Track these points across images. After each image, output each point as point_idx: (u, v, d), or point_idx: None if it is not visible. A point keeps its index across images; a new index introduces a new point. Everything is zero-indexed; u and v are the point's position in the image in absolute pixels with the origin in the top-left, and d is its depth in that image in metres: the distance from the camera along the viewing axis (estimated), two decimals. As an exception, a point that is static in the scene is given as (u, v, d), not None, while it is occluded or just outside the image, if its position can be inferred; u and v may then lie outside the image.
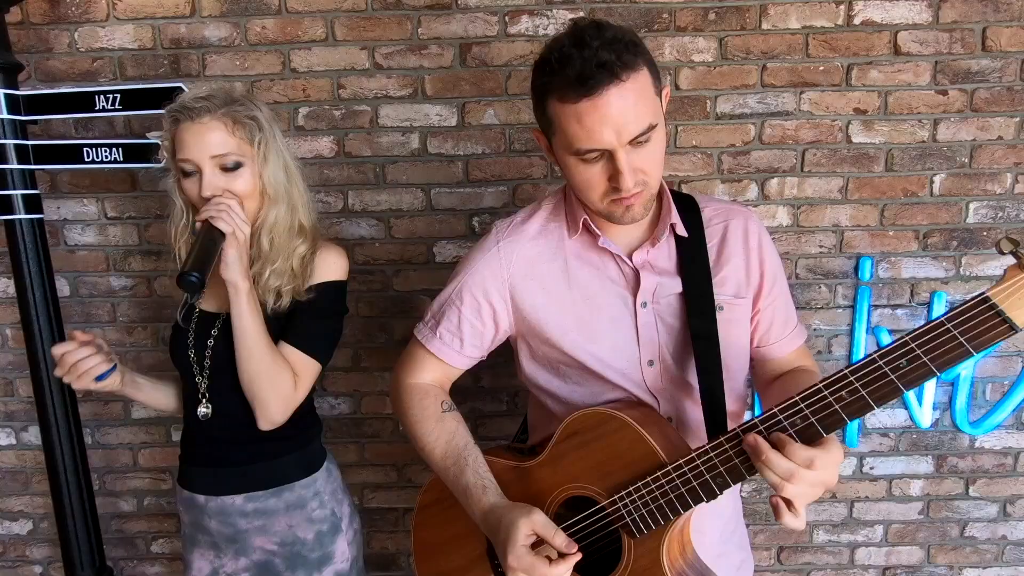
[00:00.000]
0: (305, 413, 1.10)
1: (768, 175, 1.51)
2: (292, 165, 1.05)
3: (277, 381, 0.98)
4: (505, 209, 1.53)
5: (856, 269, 1.53)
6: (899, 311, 1.56)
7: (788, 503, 0.70)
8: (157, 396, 1.15)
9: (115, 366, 1.02)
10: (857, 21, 1.44)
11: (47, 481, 1.65)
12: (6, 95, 1.23)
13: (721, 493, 0.75)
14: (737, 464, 0.74)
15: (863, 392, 0.66)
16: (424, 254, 1.55)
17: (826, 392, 0.69)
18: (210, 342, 1.04)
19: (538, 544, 0.78)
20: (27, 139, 1.28)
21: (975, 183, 1.51)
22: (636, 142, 0.78)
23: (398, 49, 1.47)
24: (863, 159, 1.50)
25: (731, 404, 0.91)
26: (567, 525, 0.83)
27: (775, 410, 0.72)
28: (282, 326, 1.03)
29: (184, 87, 1.24)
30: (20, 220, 1.27)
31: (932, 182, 1.51)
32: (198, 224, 0.96)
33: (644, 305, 0.90)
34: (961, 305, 0.64)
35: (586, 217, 0.90)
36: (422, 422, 0.93)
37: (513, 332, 0.97)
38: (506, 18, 1.45)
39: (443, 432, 0.92)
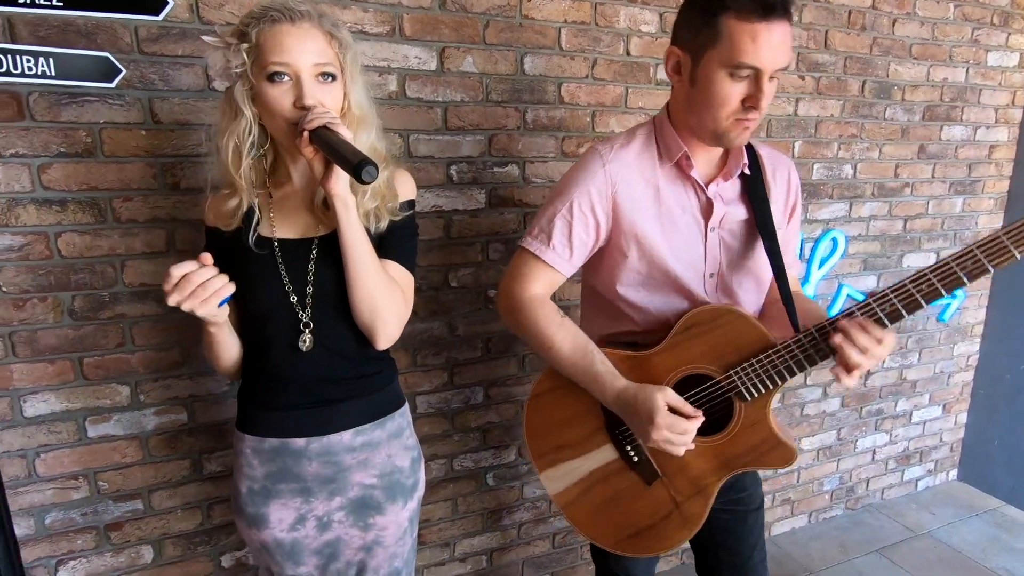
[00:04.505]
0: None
1: (691, 136, 1.80)
2: (369, 90, 1.00)
3: (391, 296, 0.96)
4: (482, 158, 1.56)
5: (748, 215, 1.93)
6: (771, 248, 2.01)
7: (849, 369, 0.95)
8: (232, 339, 1.00)
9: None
10: (753, 13, 1.79)
11: None
12: None
13: (819, 362, 0.99)
14: (824, 347, 0.98)
15: (939, 285, 0.91)
16: (402, 203, 1.49)
17: (909, 285, 0.92)
18: (310, 267, 0.96)
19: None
20: None
21: (818, 149, 2.01)
22: (773, 76, 0.93)
23: (375, -19, 1.37)
24: (753, 126, 1.88)
25: (757, 307, 1.16)
26: (690, 395, 1.03)
27: (870, 301, 0.95)
28: (377, 246, 0.99)
29: (163, -11, 1.01)
30: None
31: (793, 147, 1.97)
32: (304, 133, 0.86)
33: (713, 230, 1.09)
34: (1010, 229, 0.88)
35: (686, 150, 1.04)
36: (548, 325, 1.06)
37: (608, 243, 1.09)
38: (485, -35, 1.46)
39: (568, 332, 1.06)
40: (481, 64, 1.50)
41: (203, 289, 0.84)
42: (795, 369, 1.00)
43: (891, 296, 0.94)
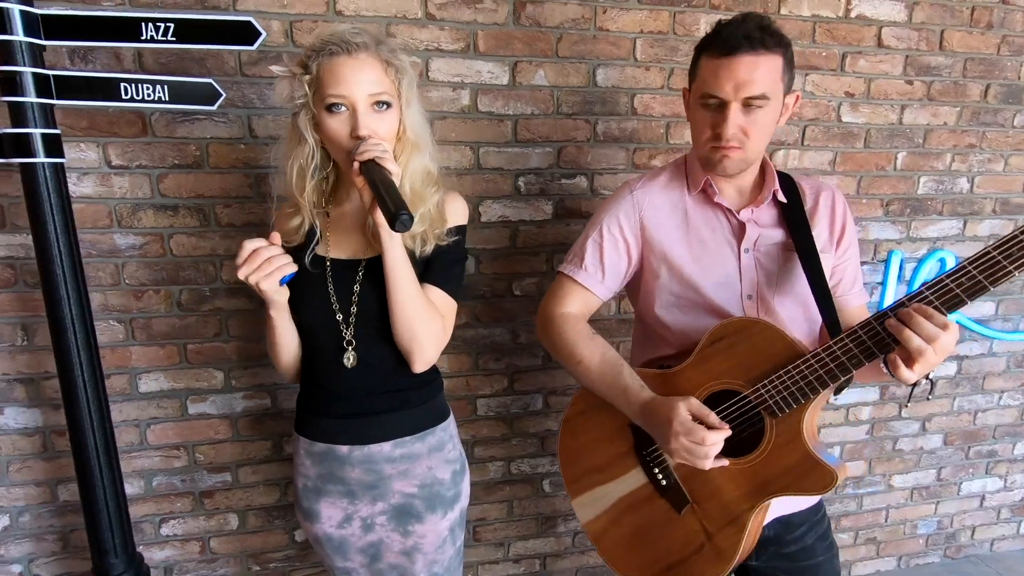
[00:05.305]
0: None
1: (775, 147, 1.70)
2: (425, 113, 1.04)
3: (431, 322, 0.99)
4: (550, 170, 1.57)
5: (838, 231, 1.80)
6: (865, 267, 1.86)
7: (909, 362, 0.85)
8: (291, 329, 1.05)
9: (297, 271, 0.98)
10: (853, 15, 1.66)
11: (27, 470, 1.46)
12: (21, 12, 1.03)
13: (854, 372, 0.91)
14: (870, 345, 0.89)
15: (981, 278, 0.82)
16: (470, 213, 1.54)
17: (970, 268, 0.83)
18: (356, 288, 1.00)
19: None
20: (45, 68, 1.08)
21: (926, 160, 1.82)
22: (747, 105, 0.95)
23: (451, 0, 1.43)
24: (848, 136, 1.75)
25: (809, 336, 1.10)
26: (717, 412, 0.98)
27: (922, 288, 0.86)
28: (422, 269, 1.02)
29: (255, 23, 1.13)
30: (43, 164, 1.08)
31: (896, 158, 1.80)
32: (356, 164, 0.90)
33: (747, 251, 1.08)
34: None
35: (708, 178, 1.07)
36: (579, 341, 1.08)
37: (641, 266, 1.12)
38: (560, -21, 1.47)
39: (598, 347, 1.08)
40: (552, 77, 1.52)
41: (268, 264, 0.92)
42: (826, 379, 0.91)
43: (947, 282, 0.85)
